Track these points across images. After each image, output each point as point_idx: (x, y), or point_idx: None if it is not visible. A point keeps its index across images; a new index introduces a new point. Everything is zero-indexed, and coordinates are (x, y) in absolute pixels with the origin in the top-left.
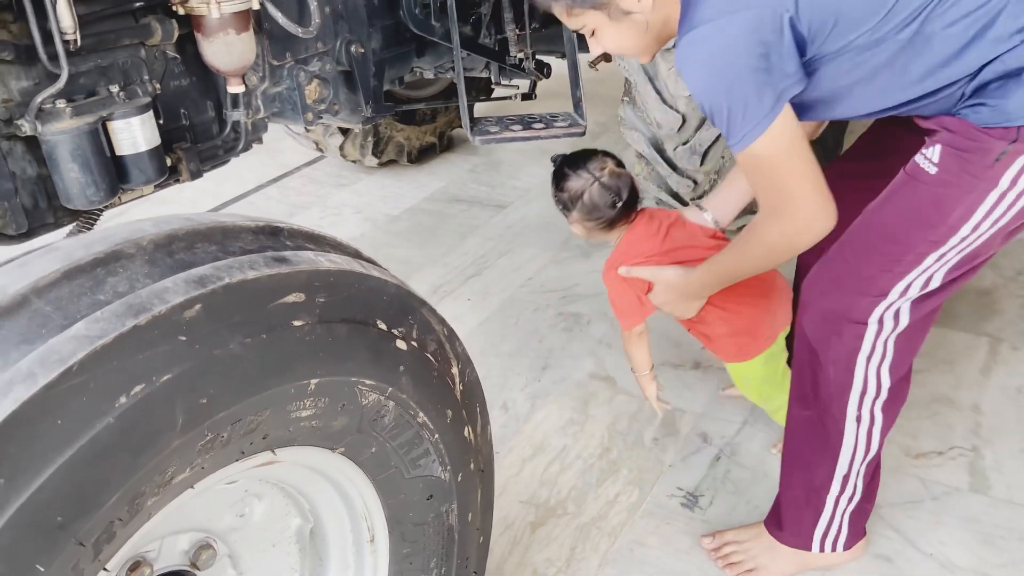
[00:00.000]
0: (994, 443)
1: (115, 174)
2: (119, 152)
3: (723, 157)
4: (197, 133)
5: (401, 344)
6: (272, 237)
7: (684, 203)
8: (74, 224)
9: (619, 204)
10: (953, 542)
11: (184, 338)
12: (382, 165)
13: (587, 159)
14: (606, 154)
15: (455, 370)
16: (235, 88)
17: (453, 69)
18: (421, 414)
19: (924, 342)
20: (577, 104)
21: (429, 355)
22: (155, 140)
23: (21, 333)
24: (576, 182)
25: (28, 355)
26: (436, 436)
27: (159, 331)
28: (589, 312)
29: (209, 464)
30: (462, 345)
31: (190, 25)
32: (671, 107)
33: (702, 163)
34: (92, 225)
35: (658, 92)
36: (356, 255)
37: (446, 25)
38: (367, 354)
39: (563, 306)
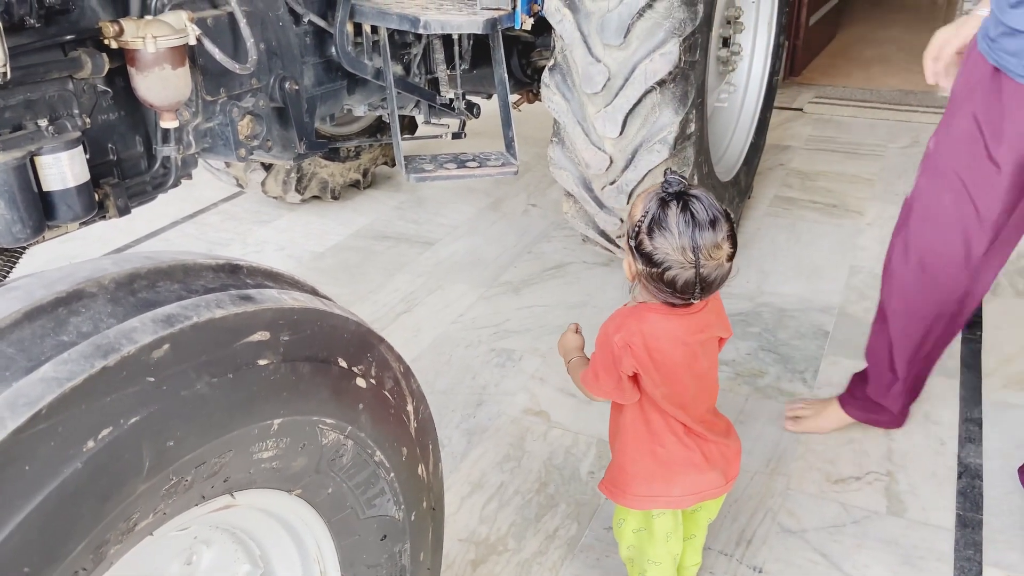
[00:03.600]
0: (907, 467)
1: (42, 211)
2: (46, 188)
3: None
4: (125, 168)
5: (360, 382)
6: (232, 275)
7: (610, 240)
8: None
9: (694, 298)
10: (875, 564)
11: (152, 379)
12: (304, 201)
13: (703, 227)
14: (731, 229)
15: (410, 407)
16: (168, 123)
17: (383, 107)
18: (378, 452)
19: (836, 375)
20: (509, 144)
21: (387, 392)
22: (84, 176)
23: None
24: (672, 247)
25: None
26: (392, 475)
27: (127, 372)
28: (521, 348)
29: (171, 509)
30: (417, 382)
31: (121, 59)
32: (599, 148)
33: (628, 202)
34: (15, 263)
35: (586, 133)
36: (313, 292)
37: (378, 63)
38: (328, 392)
39: (495, 342)
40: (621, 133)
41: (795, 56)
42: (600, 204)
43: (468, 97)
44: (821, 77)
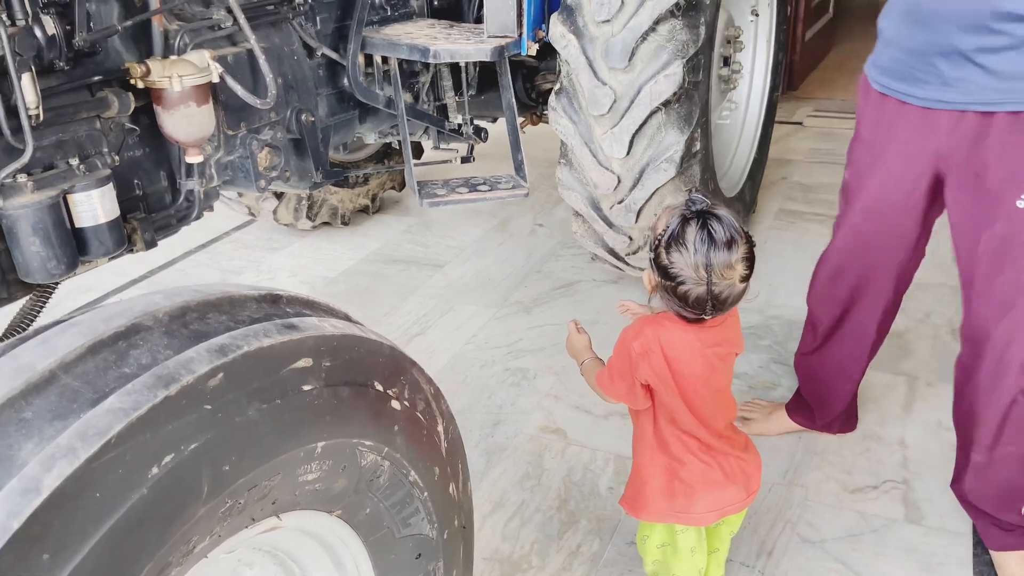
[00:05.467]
0: (922, 475)
1: (75, 247)
2: (79, 224)
3: (655, 215)
4: (150, 203)
5: (395, 404)
6: (274, 304)
7: (619, 258)
8: (28, 298)
9: (705, 315)
10: (895, 571)
11: (208, 407)
12: (315, 228)
13: (719, 247)
14: (749, 251)
15: (440, 428)
16: (194, 158)
17: (393, 134)
18: (412, 472)
19: None
20: (519, 167)
21: (419, 414)
22: (114, 212)
23: (52, 409)
24: (687, 263)
25: (66, 430)
26: (425, 494)
27: (186, 401)
28: (535, 367)
29: (225, 532)
30: (446, 403)
31: (146, 98)
32: (606, 168)
33: (636, 220)
34: (47, 299)
35: (593, 154)
36: (347, 318)
37: (389, 93)
38: (366, 415)
39: (509, 361)
40: (628, 153)
41: (792, 70)
42: (609, 223)
43: (475, 122)
44: (819, 91)
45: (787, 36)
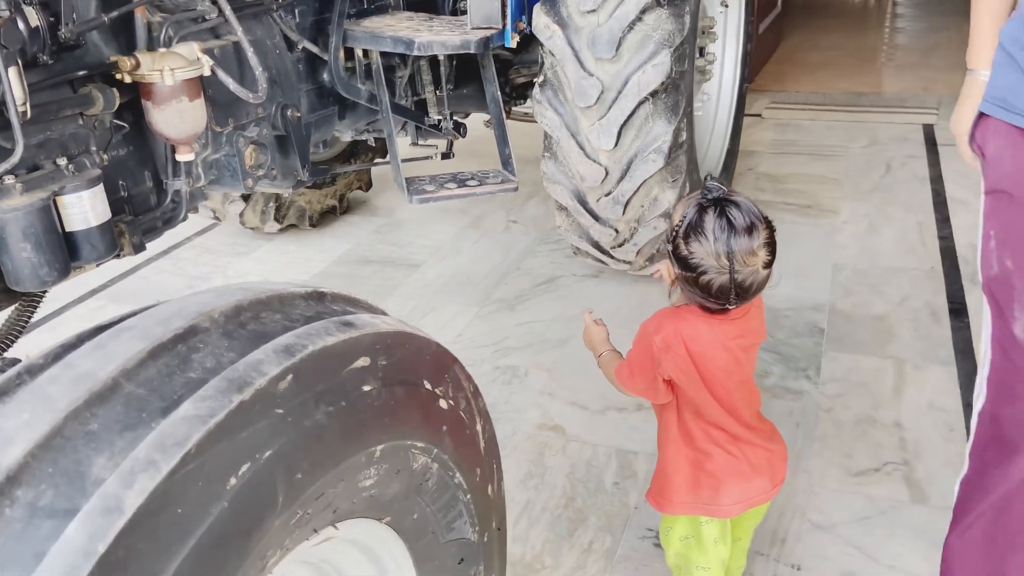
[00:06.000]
0: (921, 456)
1: (67, 252)
2: (69, 228)
3: (642, 206)
4: (136, 205)
5: (443, 403)
6: (320, 302)
7: (604, 251)
8: (14, 307)
9: (729, 304)
10: (908, 553)
11: (280, 411)
12: (282, 231)
13: (740, 233)
14: (770, 236)
15: (479, 426)
16: (185, 156)
17: (369, 131)
18: (458, 474)
19: (838, 370)
20: (507, 161)
21: (462, 413)
22: (106, 214)
23: (120, 420)
24: (707, 251)
25: (139, 441)
26: (468, 496)
27: (260, 405)
28: (524, 364)
29: (291, 543)
30: (483, 401)
31: (131, 93)
32: (593, 160)
33: (624, 212)
34: (36, 307)
35: (580, 147)
36: (383, 314)
37: (370, 88)
38: (419, 416)
39: (497, 360)
40: (616, 145)
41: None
42: (595, 216)
43: (454, 117)
44: (773, 83)
45: (754, 28)
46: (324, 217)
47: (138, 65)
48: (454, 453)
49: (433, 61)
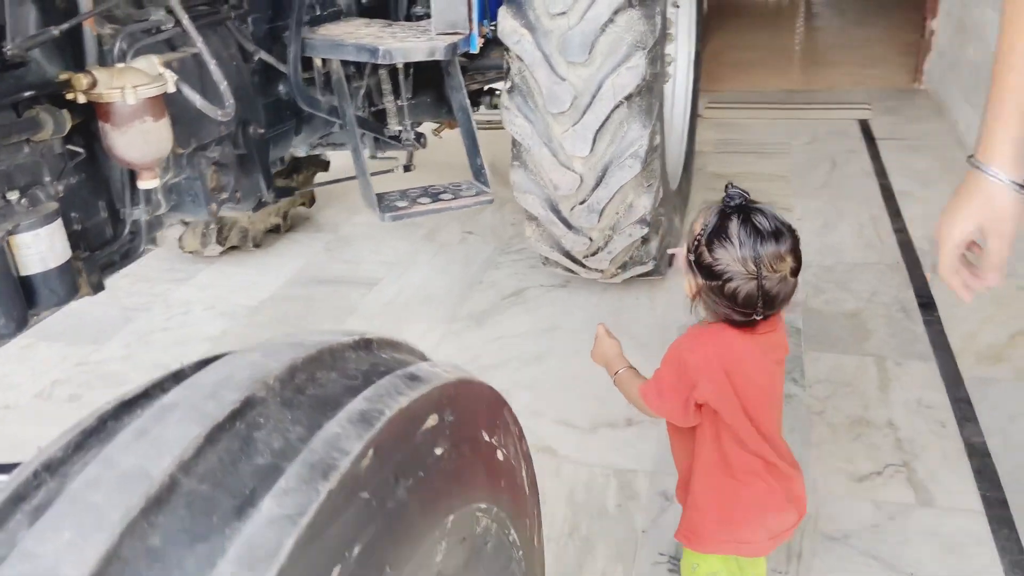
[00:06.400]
0: (919, 455)
1: (24, 299)
2: (25, 272)
3: (617, 213)
4: (91, 239)
5: (499, 454)
6: (369, 351)
7: (577, 261)
8: None
9: (756, 314)
10: (925, 559)
11: (366, 495)
12: (222, 253)
13: (766, 238)
14: (796, 243)
15: (524, 472)
16: (148, 182)
17: (323, 145)
18: (512, 531)
19: (822, 370)
20: (479, 172)
21: (512, 461)
22: (66, 253)
23: (186, 528)
24: (733, 258)
25: (219, 556)
26: (520, 552)
27: (346, 492)
28: (504, 382)
29: None
30: (527, 443)
31: (85, 115)
32: (568, 168)
33: (599, 220)
34: None
35: (553, 154)
36: (423, 357)
37: (330, 99)
38: (483, 473)
39: None
40: (591, 151)
41: None
42: (568, 225)
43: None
44: (708, 83)
45: (703, 27)
46: (267, 236)
47: (95, 83)
48: (510, 508)
49: (392, 69)
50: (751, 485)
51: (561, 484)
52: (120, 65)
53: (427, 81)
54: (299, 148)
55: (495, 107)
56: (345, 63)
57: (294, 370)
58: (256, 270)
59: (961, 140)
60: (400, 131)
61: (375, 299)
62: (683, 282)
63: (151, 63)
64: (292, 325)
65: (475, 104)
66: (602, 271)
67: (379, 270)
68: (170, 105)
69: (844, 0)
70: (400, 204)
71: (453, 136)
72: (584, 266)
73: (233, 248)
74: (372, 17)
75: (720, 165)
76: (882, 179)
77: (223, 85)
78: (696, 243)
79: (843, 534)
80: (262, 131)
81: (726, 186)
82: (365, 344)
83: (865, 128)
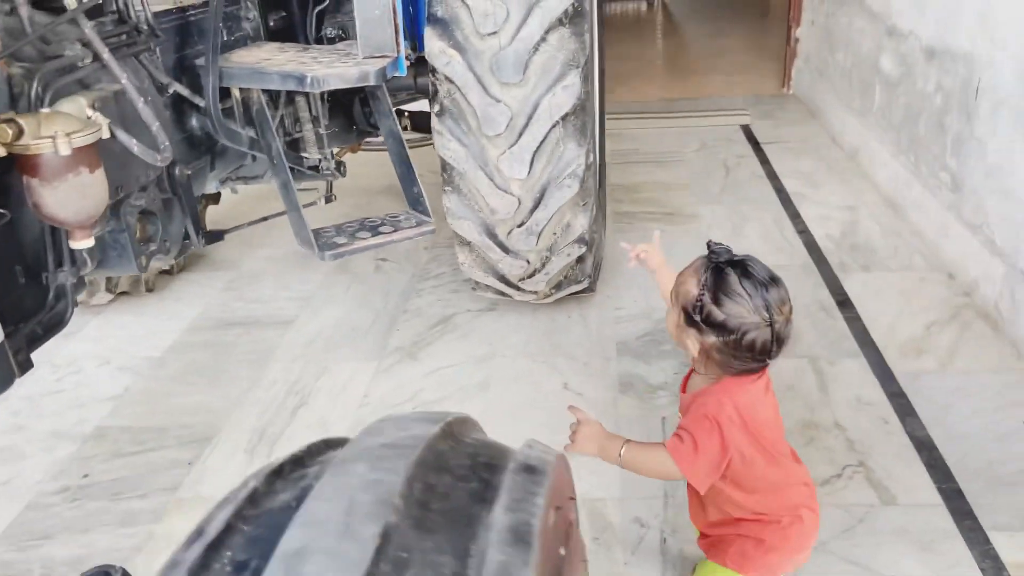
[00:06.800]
0: (871, 454)
1: None
2: None
3: (555, 234)
4: (12, 311)
5: (572, 531)
6: (454, 438)
7: (512, 285)
8: None
9: (770, 358)
10: (901, 558)
11: None
12: (111, 301)
13: (767, 285)
14: (781, 288)
15: (573, 539)
16: (83, 242)
17: (234, 179)
18: None
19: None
20: (416, 201)
21: (572, 534)
22: None
23: None
24: (745, 309)
25: None
26: None
27: None
28: None
29: None
30: (577, 509)
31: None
32: (505, 191)
33: (538, 242)
34: None
35: (490, 178)
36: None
37: (248, 133)
38: (575, 560)
39: None
40: (529, 173)
41: None
42: (506, 249)
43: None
44: None
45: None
46: (160, 279)
47: (20, 132)
48: None
49: (309, 96)
50: (802, 517)
51: None
52: (45, 110)
53: (334, 106)
54: (210, 184)
55: (405, 128)
56: (263, 92)
57: (412, 482)
58: (152, 317)
59: (837, 141)
60: (320, 160)
61: (294, 339)
62: (684, 342)
63: (79, 105)
64: (205, 375)
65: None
66: (536, 292)
67: (292, 307)
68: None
69: (699, 11)
70: (339, 241)
71: (357, 160)
72: (519, 289)
73: (123, 294)
74: (279, 41)
75: (621, 176)
76: (774, 182)
77: (155, 125)
78: (700, 304)
79: (820, 541)
80: (188, 172)
81: (708, 243)
82: (449, 432)
83: (748, 133)
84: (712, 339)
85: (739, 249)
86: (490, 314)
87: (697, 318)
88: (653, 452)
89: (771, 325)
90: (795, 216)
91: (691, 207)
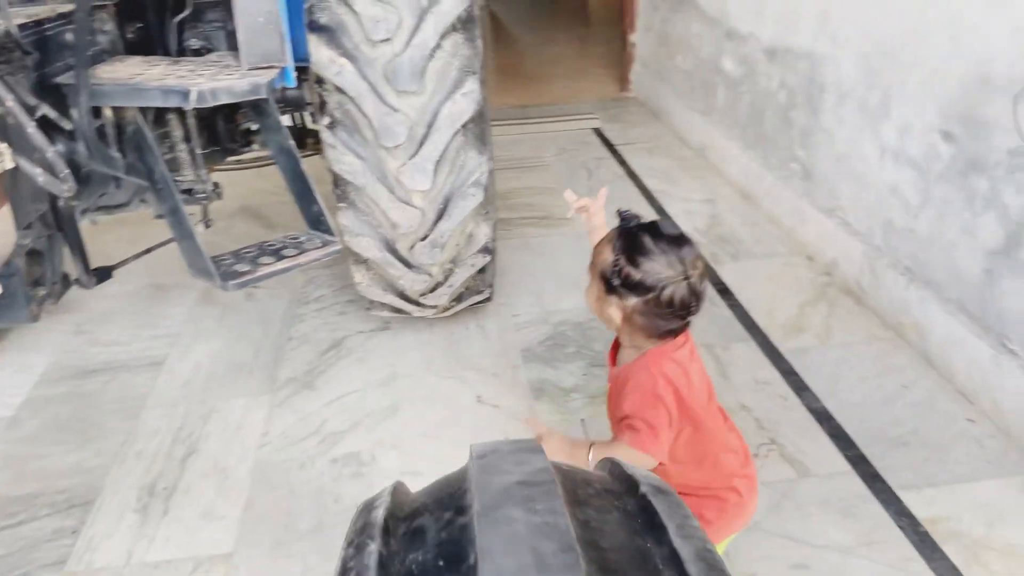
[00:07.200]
0: (779, 431)
1: None
2: None
3: (458, 245)
4: None
5: None
6: (563, 471)
7: (412, 301)
8: None
9: (691, 314)
10: (829, 527)
11: None
12: None
13: (678, 243)
14: (693, 246)
15: None
16: None
17: (99, 210)
18: None
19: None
20: (317, 220)
21: None
22: None
23: None
24: (661, 266)
25: None
26: None
27: None
28: (363, 447)
29: None
30: None
31: None
32: (407, 204)
33: (443, 254)
34: None
35: (390, 191)
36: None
37: (123, 155)
38: None
39: (329, 451)
40: (432, 183)
41: None
42: (408, 264)
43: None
44: None
45: None
46: None
47: None
48: None
49: (182, 114)
50: (733, 495)
51: None
52: None
53: (208, 126)
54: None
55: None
56: (123, 110)
57: (575, 522)
58: None
59: (684, 140)
60: (195, 183)
61: (168, 382)
62: (606, 313)
63: None
64: (71, 432)
65: (246, 144)
66: (436, 307)
67: (159, 347)
68: None
69: (526, 21)
70: (241, 269)
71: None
72: (419, 305)
73: None
74: (138, 54)
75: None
76: (636, 181)
77: (50, 151)
78: (617, 267)
79: (753, 520)
80: (75, 204)
81: (618, 211)
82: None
83: (601, 135)
84: (632, 301)
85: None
86: (384, 334)
87: (616, 282)
88: (620, 450)
89: (687, 279)
90: (662, 212)
91: (562, 210)
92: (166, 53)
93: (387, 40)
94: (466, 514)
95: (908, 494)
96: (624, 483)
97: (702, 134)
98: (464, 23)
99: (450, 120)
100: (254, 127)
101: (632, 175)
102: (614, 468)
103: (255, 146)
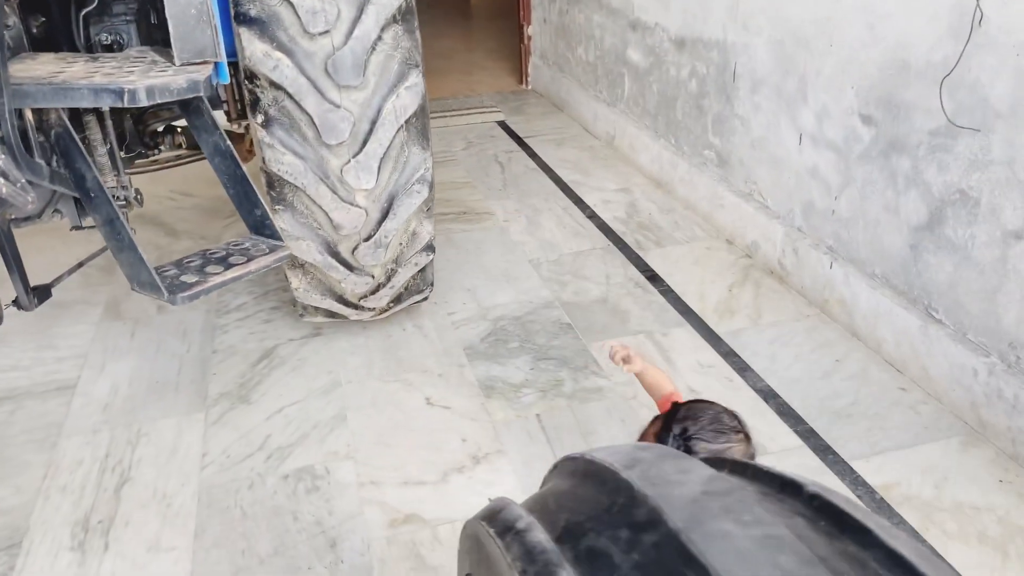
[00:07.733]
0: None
1: None
2: None
3: (401, 244)
4: None
5: None
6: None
7: (352, 305)
8: None
9: None
10: None
11: None
12: None
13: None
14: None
15: None
16: None
17: (26, 219)
18: None
19: (600, 352)
20: (261, 224)
21: None
22: None
23: None
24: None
25: None
26: None
27: None
28: (315, 460)
29: None
30: None
31: None
32: (350, 204)
33: (387, 254)
34: None
35: (333, 191)
36: None
37: (51, 165)
38: None
39: (279, 468)
40: (376, 182)
41: None
42: (350, 267)
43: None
44: None
45: None
46: None
47: None
48: None
49: (101, 115)
50: None
51: (445, 554)
52: None
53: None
54: None
55: (179, 146)
56: (40, 111)
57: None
58: None
59: (590, 130)
60: (116, 189)
61: (84, 407)
62: None
63: None
64: None
65: (155, 146)
66: (375, 309)
67: (66, 369)
68: None
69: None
70: (188, 280)
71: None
72: (358, 308)
73: None
74: (42, 51)
75: None
76: (549, 173)
77: (1, 159)
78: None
79: None
80: (12, 217)
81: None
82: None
83: (506, 128)
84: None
85: (541, 240)
86: (317, 340)
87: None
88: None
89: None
90: (580, 203)
91: (481, 204)
92: (72, 49)
93: (326, 32)
94: (656, 531)
95: (859, 463)
96: (774, 484)
97: (609, 124)
98: (404, 14)
99: (394, 115)
100: (160, 128)
101: (545, 167)
102: (747, 469)
103: (163, 148)
